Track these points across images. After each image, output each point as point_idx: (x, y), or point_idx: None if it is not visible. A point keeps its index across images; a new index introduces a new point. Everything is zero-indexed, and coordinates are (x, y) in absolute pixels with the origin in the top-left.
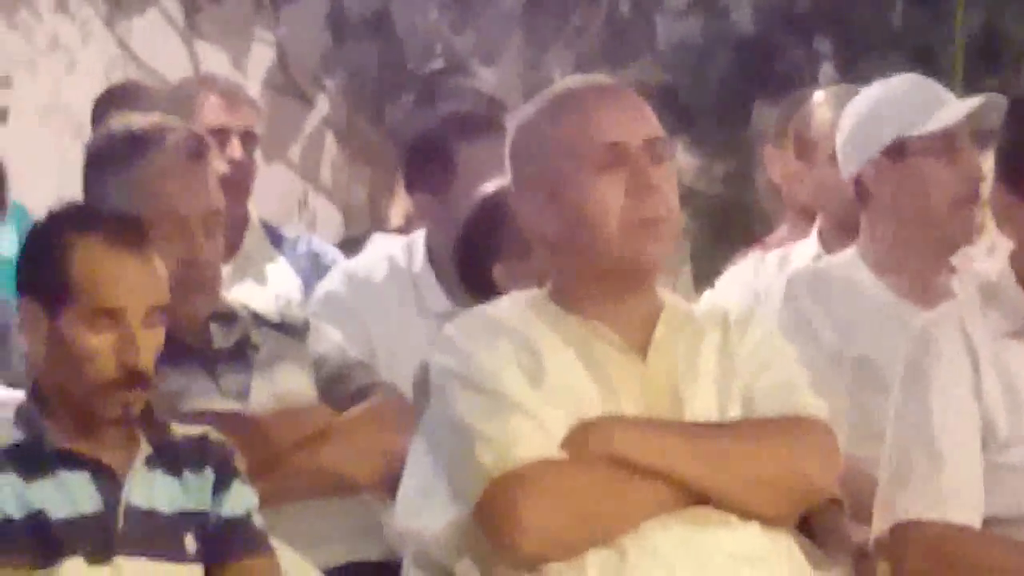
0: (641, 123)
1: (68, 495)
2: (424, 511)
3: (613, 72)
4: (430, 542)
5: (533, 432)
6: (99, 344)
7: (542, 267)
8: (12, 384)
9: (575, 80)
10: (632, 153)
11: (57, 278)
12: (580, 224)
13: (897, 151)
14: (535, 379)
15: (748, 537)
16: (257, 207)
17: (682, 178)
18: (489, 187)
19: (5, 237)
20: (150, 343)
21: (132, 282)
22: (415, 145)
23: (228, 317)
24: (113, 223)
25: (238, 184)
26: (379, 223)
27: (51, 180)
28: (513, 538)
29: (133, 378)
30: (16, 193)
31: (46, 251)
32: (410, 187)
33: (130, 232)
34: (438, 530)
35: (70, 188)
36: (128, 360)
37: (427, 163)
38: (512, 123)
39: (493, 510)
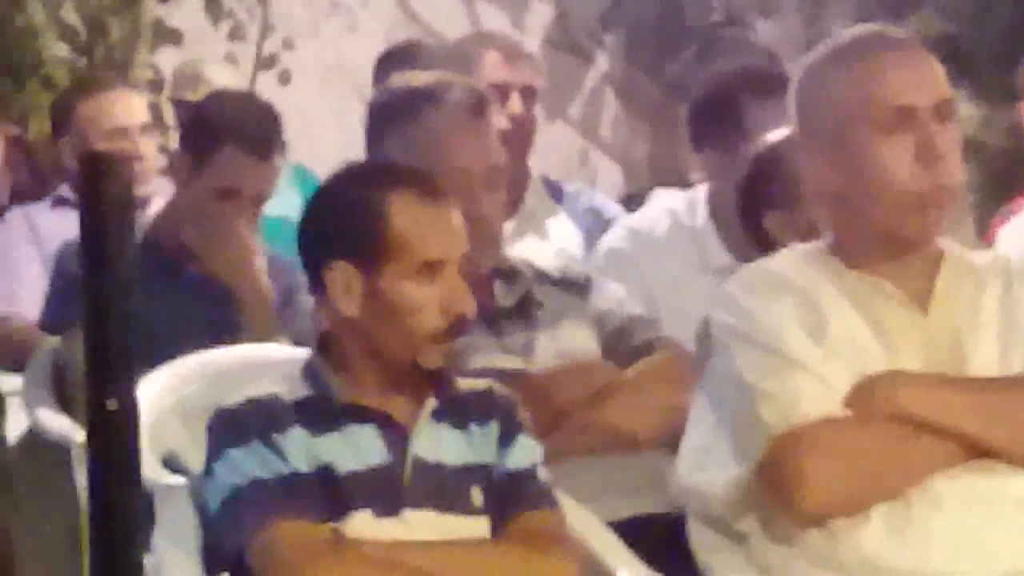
0: (930, 84)
1: (356, 448)
2: (706, 467)
3: (893, 23)
4: (712, 498)
5: (816, 389)
6: (426, 296)
7: (813, 218)
8: (298, 342)
9: (865, 31)
10: (920, 117)
11: (376, 236)
12: (863, 184)
13: None
14: (817, 335)
15: None
16: (538, 165)
17: (965, 128)
18: (770, 137)
19: (284, 197)
20: (468, 290)
21: (449, 232)
22: (703, 102)
23: (511, 274)
24: (419, 176)
25: (519, 139)
26: (660, 178)
27: (334, 141)
28: (797, 496)
29: (460, 325)
30: (299, 155)
31: (359, 212)
32: (697, 144)
33: (433, 183)
34: (720, 486)
35: (353, 149)
36: (456, 308)
37: (716, 120)
38: (799, 71)
39: (777, 468)
